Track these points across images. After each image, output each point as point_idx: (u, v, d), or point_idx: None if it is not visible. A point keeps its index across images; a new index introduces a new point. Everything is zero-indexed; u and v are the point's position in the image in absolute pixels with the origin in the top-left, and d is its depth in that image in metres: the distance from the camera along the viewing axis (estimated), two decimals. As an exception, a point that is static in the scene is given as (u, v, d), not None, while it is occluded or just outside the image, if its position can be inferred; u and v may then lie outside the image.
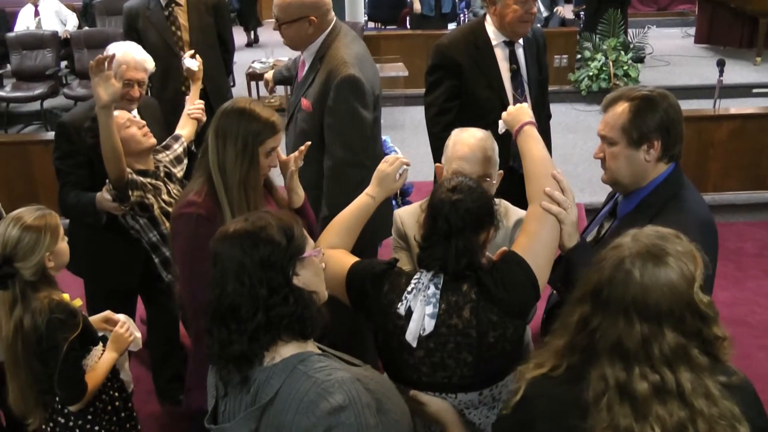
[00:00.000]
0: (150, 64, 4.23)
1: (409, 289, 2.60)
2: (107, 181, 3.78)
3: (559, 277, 2.76)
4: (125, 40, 5.61)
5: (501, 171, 3.28)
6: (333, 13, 3.99)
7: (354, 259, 2.87)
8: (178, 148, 4.25)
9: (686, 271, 1.97)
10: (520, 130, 2.92)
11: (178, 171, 4.20)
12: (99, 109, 3.55)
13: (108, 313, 3.62)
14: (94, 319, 3.56)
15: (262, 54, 10.37)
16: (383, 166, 3.07)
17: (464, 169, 3.10)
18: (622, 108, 2.80)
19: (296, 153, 3.33)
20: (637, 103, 2.78)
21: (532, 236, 2.67)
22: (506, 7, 4.50)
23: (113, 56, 3.57)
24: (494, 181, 3.23)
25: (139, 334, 3.62)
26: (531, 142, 2.89)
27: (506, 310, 2.54)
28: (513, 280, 2.55)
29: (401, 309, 2.59)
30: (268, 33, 14.64)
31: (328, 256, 2.83)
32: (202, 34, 5.75)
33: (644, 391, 1.92)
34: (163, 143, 4.22)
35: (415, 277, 2.63)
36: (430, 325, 2.53)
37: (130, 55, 4.12)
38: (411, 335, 2.55)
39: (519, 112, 3.00)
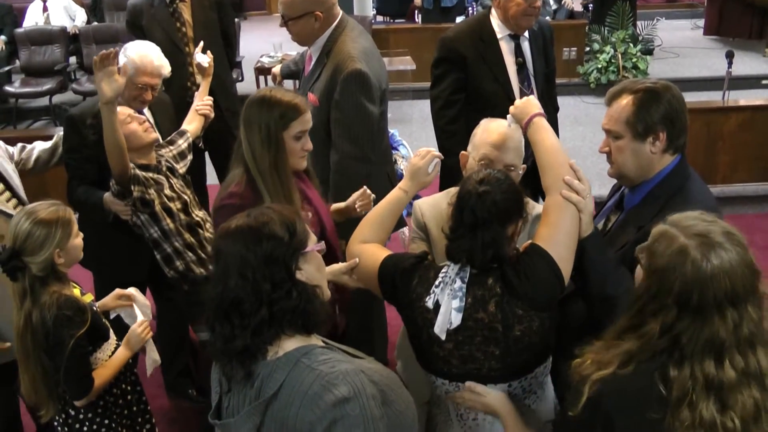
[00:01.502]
0: (166, 69, 4.25)
1: (436, 282, 2.61)
2: (112, 181, 3.80)
3: (574, 265, 2.75)
4: (128, 36, 5.66)
5: (524, 165, 3.27)
6: (338, 8, 3.99)
7: (386, 252, 2.88)
8: (182, 143, 4.27)
9: (743, 241, 2.03)
10: (530, 122, 2.90)
11: (181, 167, 4.22)
12: (102, 105, 3.56)
13: (117, 290, 3.64)
14: (106, 300, 3.58)
15: (269, 48, 10.37)
16: (415, 160, 3.07)
17: (492, 156, 3.11)
18: (625, 101, 2.79)
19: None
20: (641, 96, 2.77)
21: (553, 227, 2.66)
22: (510, 0, 4.50)
23: (117, 52, 3.58)
24: (520, 172, 3.22)
25: (147, 302, 3.66)
26: (542, 133, 2.86)
27: (531, 303, 2.54)
28: (536, 272, 2.55)
29: (429, 302, 2.60)
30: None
31: (362, 251, 2.90)
32: (206, 30, 5.75)
33: (732, 379, 1.94)
34: (168, 138, 4.24)
35: (443, 271, 2.63)
36: (457, 318, 2.54)
37: (149, 59, 4.14)
38: (439, 329, 2.56)
39: (526, 105, 2.97)
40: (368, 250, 2.90)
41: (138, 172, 3.84)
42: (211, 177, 6.21)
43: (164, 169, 4.05)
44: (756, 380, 1.96)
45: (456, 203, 2.63)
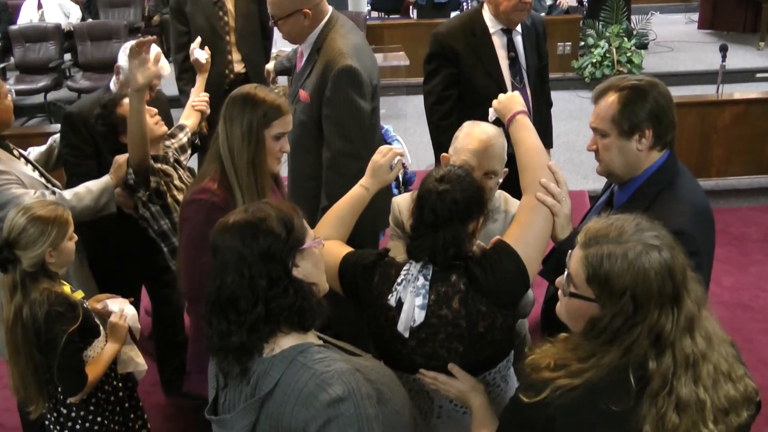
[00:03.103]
0: (165, 71, 4.25)
1: (398, 280, 2.61)
2: (129, 171, 3.78)
3: (552, 269, 2.76)
4: (172, 22, 5.90)
5: (506, 169, 3.27)
6: (327, 4, 3.99)
7: (347, 249, 2.88)
8: (183, 137, 4.28)
9: (644, 217, 2.09)
10: (512, 120, 2.91)
11: (183, 159, 4.23)
12: (132, 92, 3.58)
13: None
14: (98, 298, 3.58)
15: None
16: (377, 157, 3.07)
17: (473, 163, 3.10)
18: (611, 99, 2.78)
19: None
20: (626, 93, 2.76)
21: (524, 226, 2.67)
22: None
23: (152, 40, 3.60)
24: (500, 179, 3.23)
25: (133, 310, 3.61)
26: (524, 131, 2.87)
27: (495, 300, 2.55)
28: (502, 270, 2.56)
29: (392, 300, 2.60)
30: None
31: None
32: (246, 21, 5.93)
33: (703, 349, 1.97)
34: (169, 132, 4.23)
35: (405, 268, 2.63)
36: (420, 316, 2.54)
37: None
38: (402, 326, 2.56)
39: (510, 101, 2.98)
40: (328, 246, 2.85)
41: (152, 162, 3.84)
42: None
43: (171, 160, 4.06)
44: (711, 342, 2.00)
45: (417, 201, 2.64)
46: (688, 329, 1.97)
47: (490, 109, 3.06)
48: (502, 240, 2.64)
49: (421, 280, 2.56)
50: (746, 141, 7.35)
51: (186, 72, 5.82)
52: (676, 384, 1.93)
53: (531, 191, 2.71)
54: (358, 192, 3.04)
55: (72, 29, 11.14)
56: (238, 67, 5.86)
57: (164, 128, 4.00)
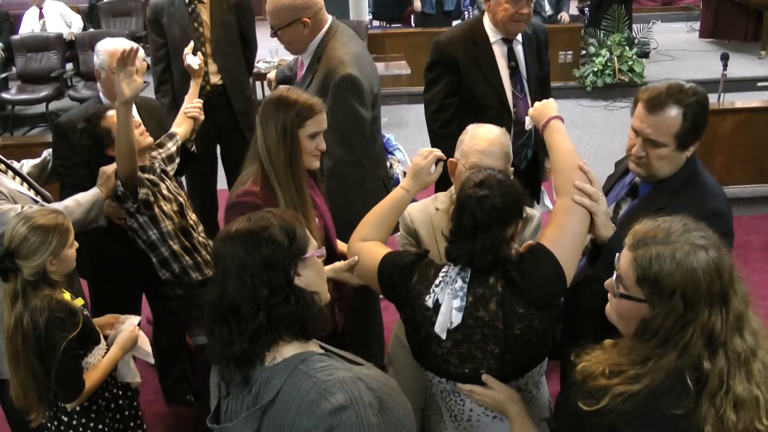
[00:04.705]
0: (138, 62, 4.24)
1: (437, 282, 2.63)
2: (117, 183, 3.78)
3: (605, 265, 2.78)
4: (150, 34, 5.91)
5: (512, 168, 3.29)
6: (326, 13, 4.00)
7: (386, 250, 2.91)
8: (171, 146, 4.24)
9: (689, 217, 2.14)
10: (547, 125, 2.97)
11: (170, 169, 4.20)
12: (120, 104, 3.55)
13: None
14: (100, 321, 3.56)
15: (266, 53, 10.35)
16: (417, 160, 3.10)
17: (483, 163, 3.12)
18: (675, 114, 2.87)
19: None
20: (691, 111, 2.88)
21: (560, 228, 2.70)
22: (498, 5, 4.53)
23: (137, 50, 3.58)
24: (510, 177, 3.24)
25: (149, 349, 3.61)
26: (557, 135, 2.93)
27: (532, 301, 2.56)
28: (539, 271, 2.58)
29: (429, 301, 2.62)
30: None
31: (362, 249, 2.94)
32: (223, 32, 5.87)
33: (753, 346, 2.01)
34: (158, 141, 4.21)
35: (443, 270, 2.66)
36: (457, 318, 2.56)
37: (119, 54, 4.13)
38: (440, 328, 2.59)
39: (544, 108, 3.04)
40: (368, 248, 2.93)
41: (140, 174, 3.83)
42: (221, 182, 6.26)
43: (158, 170, 4.05)
44: (757, 339, 2.04)
45: (456, 206, 2.65)
46: (737, 328, 2.01)
47: (527, 118, 3.15)
48: (538, 242, 2.67)
49: (459, 282, 2.59)
50: (747, 150, 7.35)
51: (164, 84, 5.81)
52: (731, 383, 1.96)
53: (565, 193, 2.76)
54: (399, 194, 3.08)
55: (74, 38, 11.16)
56: (215, 79, 5.79)
57: (149, 139, 3.97)
